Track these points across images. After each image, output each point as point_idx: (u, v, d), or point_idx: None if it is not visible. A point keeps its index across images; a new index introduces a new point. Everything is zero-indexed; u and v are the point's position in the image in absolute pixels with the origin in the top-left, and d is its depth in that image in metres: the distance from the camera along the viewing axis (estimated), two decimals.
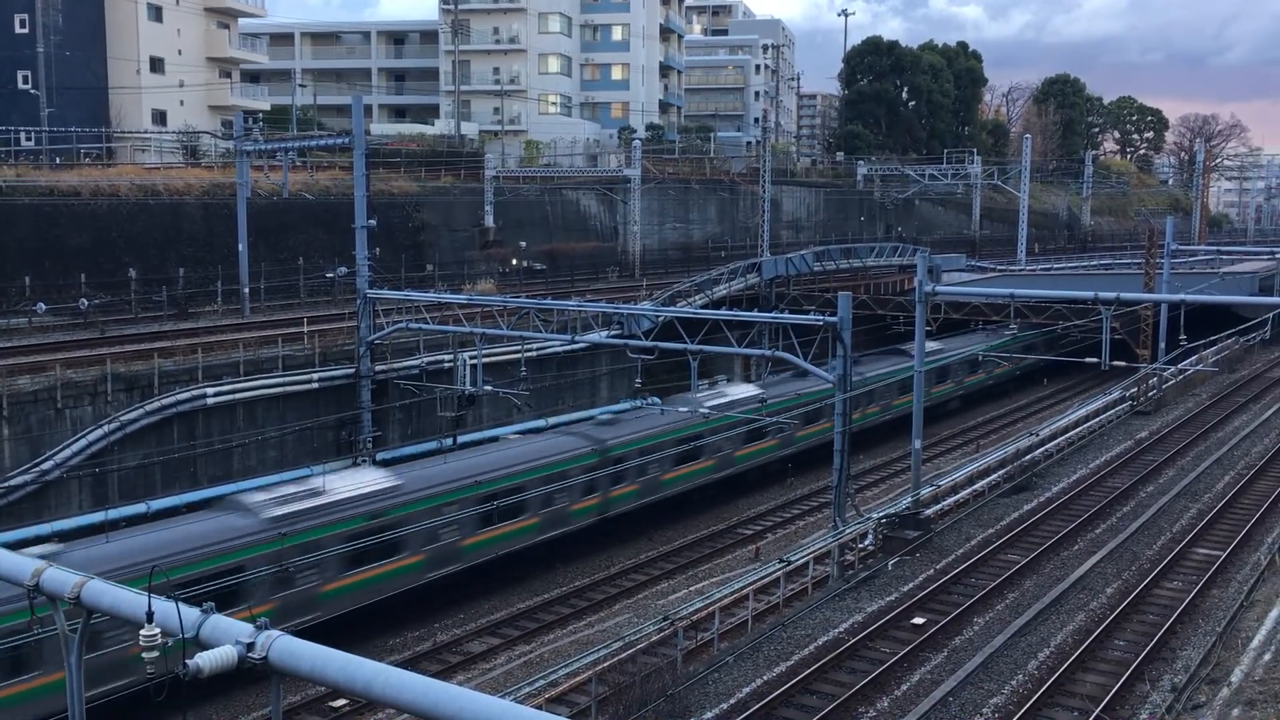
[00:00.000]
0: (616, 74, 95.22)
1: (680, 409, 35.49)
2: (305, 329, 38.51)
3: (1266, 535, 31.27)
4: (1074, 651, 23.07)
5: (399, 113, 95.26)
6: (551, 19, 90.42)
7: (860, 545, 29.77)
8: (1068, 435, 43.35)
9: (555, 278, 61.98)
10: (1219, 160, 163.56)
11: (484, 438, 37.24)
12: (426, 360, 38.81)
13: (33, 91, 59.16)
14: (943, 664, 22.92)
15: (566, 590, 31.10)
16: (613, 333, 43.79)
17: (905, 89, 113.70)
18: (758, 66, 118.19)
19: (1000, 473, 37.29)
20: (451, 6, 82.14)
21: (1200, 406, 50.95)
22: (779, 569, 26.84)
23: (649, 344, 33.54)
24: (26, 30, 59.53)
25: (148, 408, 31.34)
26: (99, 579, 9.19)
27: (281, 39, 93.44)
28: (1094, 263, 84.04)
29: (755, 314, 40.21)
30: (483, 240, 61.30)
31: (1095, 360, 32.84)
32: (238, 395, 33.53)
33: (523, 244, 62.73)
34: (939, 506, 33.43)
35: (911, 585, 27.60)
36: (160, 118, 65.50)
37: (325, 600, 25.64)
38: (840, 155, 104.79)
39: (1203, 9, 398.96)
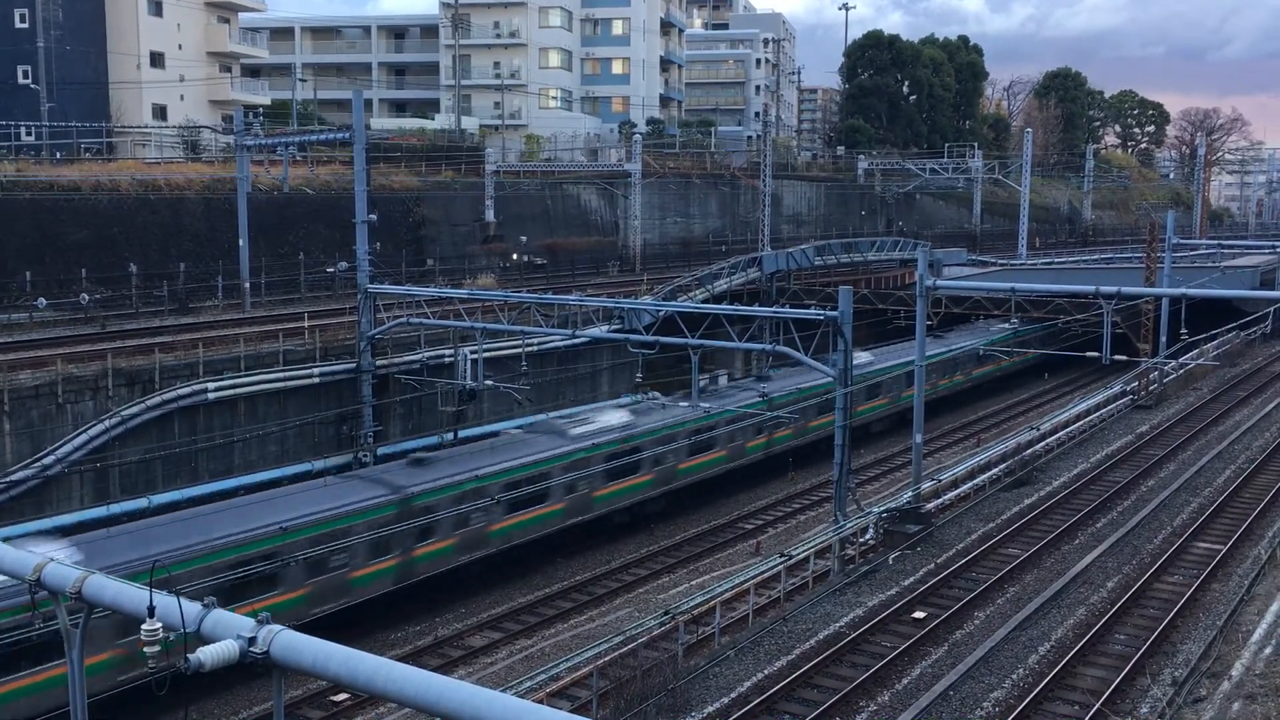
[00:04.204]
0: (617, 68, 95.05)
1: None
2: (306, 324, 38.52)
3: (1267, 529, 31.27)
4: (1075, 645, 23.09)
5: (399, 107, 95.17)
6: (552, 13, 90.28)
7: (861, 539, 29.80)
8: (1068, 429, 43.37)
9: (556, 272, 61.97)
10: (1220, 154, 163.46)
11: (485, 432, 37.34)
12: (427, 355, 38.81)
13: (33, 86, 59.09)
14: (943, 658, 22.95)
15: (567, 584, 31.14)
16: (613, 327, 43.80)
17: (906, 83, 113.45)
18: (758, 61, 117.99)
19: (1001, 467, 37.31)
20: (452, 1, 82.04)
21: (1201, 401, 50.96)
22: (780, 563, 26.86)
23: (650, 339, 33.57)
24: (27, 25, 59.42)
25: (149, 403, 31.34)
26: (100, 574, 9.19)
27: (282, 34, 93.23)
28: (1095, 257, 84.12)
29: (756, 309, 40.18)
30: (483, 235, 61.29)
31: (1096, 354, 32.84)
32: (239, 390, 33.53)
33: (523, 239, 62.72)
34: (940, 501, 33.46)
35: (912, 579, 27.63)
36: (160, 113, 65.40)
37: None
38: (841, 150, 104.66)
39: (1203, 3, 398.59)
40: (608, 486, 33.82)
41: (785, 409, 38.73)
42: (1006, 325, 59.27)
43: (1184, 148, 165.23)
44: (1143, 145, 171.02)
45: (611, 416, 35.59)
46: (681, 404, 37.60)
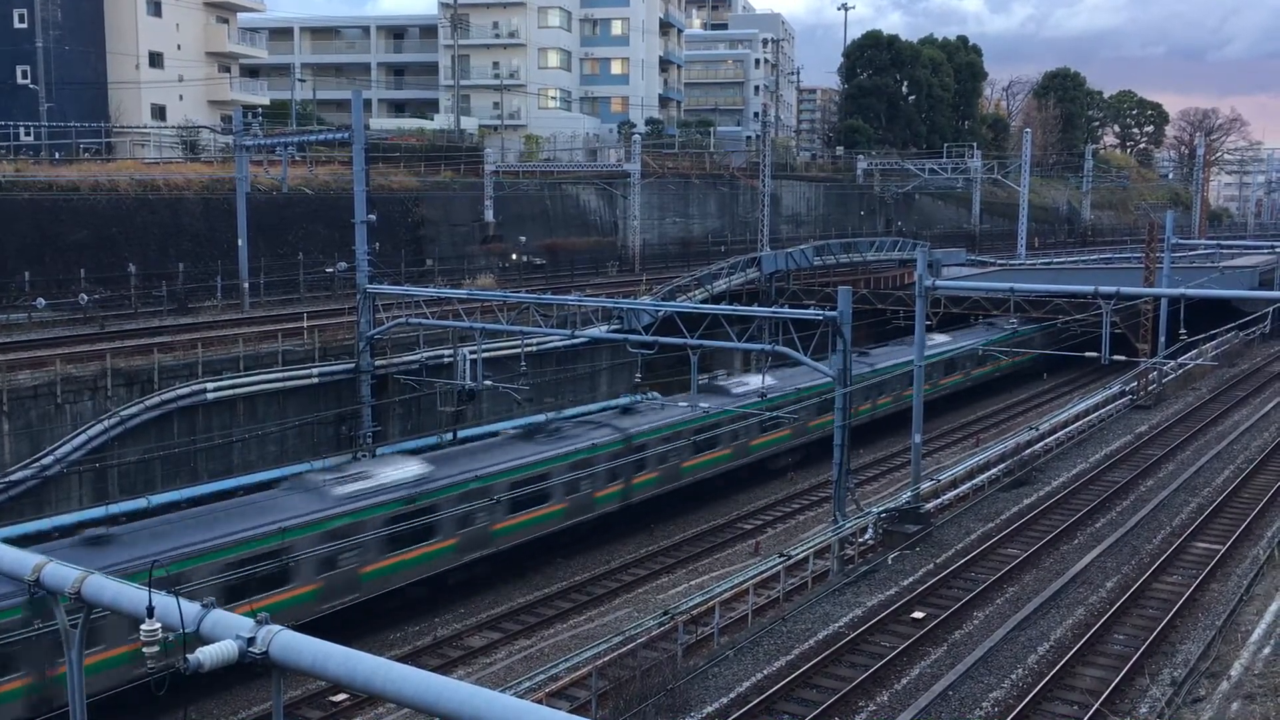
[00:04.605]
0: (616, 69, 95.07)
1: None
2: (305, 324, 38.53)
3: (1266, 529, 31.28)
4: (1074, 645, 23.09)
5: (398, 107, 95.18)
6: (551, 14, 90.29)
7: (860, 540, 29.80)
8: (1068, 429, 43.37)
9: (555, 273, 61.98)
10: (1219, 154, 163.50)
11: (485, 431, 37.31)
12: (426, 355, 38.81)
13: (32, 86, 59.09)
14: (943, 658, 22.95)
15: (566, 585, 31.13)
16: (613, 328, 43.81)
17: (905, 83, 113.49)
18: (758, 61, 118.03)
19: (1000, 467, 37.30)
20: (451, 1, 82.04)
21: (1200, 401, 50.96)
22: (779, 563, 26.86)
23: (649, 339, 33.54)
24: (26, 25, 59.41)
25: (148, 403, 31.34)
26: (99, 574, 9.20)
27: (281, 34, 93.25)
28: (1094, 257, 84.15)
29: (755, 309, 40.16)
30: (482, 235, 61.28)
31: (1095, 355, 32.84)
32: (238, 390, 33.53)
33: (522, 239, 62.72)
34: (939, 501, 33.45)
35: (911, 579, 27.63)
36: (159, 113, 65.39)
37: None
38: (840, 150, 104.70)
39: (1203, 3, 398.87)
40: (385, 559, 27.51)
41: (649, 448, 35.06)
42: (944, 337, 55.05)
43: (1183, 148, 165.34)
44: (1142, 145, 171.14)
45: (400, 468, 29.13)
46: (681, 403, 37.14)
